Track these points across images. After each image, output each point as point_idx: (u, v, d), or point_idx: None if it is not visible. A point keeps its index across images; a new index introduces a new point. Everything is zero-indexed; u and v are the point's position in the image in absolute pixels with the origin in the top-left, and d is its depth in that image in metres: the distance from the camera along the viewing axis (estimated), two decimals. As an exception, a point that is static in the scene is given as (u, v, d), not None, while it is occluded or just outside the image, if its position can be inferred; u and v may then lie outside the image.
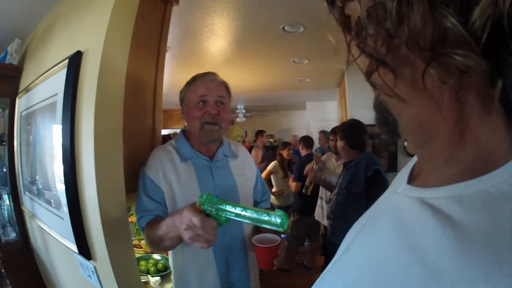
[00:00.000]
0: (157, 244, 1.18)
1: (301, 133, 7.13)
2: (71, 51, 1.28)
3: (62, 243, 1.43)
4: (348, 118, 4.18)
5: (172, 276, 1.38)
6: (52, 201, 1.48)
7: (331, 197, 2.76)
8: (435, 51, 0.31)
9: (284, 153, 4.46)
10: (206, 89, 1.32)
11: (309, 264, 4.19)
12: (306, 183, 3.40)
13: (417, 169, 0.48)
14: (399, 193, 0.45)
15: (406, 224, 0.37)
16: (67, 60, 1.27)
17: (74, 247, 1.32)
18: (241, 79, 4.89)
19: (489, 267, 0.26)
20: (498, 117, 0.35)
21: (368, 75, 0.38)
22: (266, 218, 0.85)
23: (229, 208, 0.92)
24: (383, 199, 0.55)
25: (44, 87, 1.49)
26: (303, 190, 3.47)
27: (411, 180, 0.48)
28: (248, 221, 0.89)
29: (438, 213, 0.34)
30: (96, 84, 1.18)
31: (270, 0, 2.29)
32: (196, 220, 0.91)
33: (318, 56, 3.82)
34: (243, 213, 0.90)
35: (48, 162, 1.49)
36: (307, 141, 4.32)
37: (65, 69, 1.27)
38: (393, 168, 4.12)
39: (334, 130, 3.34)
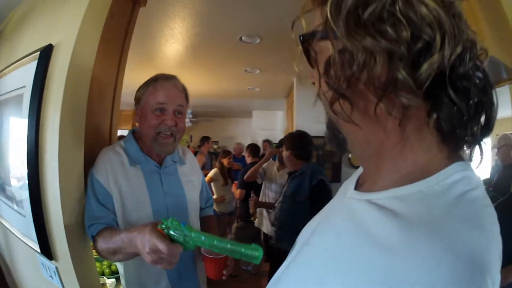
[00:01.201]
0: (108, 256, 1.13)
1: (246, 141, 7.22)
2: (43, 43, 1.23)
3: (24, 242, 1.35)
4: (294, 128, 4.34)
5: (122, 282, 1.32)
6: (13, 198, 1.39)
7: (276, 204, 2.85)
8: (386, 91, 0.42)
9: (225, 161, 4.55)
10: (166, 97, 1.24)
11: (253, 269, 4.27)
12: (251, 211, 3.52)
13: (363, 178, 0.60)
14: (348, 197, 0.57)
15: (358, 219, 0.48)
16: (39, 53, 1.21)
17: (36, 246, 1.25)
18: (192, 84, 4.86)
19: (427, 238, 0.37)
20: (433, 138, 0.46)
21: (331, 104, 0.47)
22: (242, 250, 0.85)
23: (201, 238, 0.89)
24: (333, 204, 0.65)
25: (11, 78, 1.40)
26: (251, 219, 3.65)
27: (358, 187, 0.59)
28: (219, 251, 0.88)
29: (382, 208, 0.45)
30: (64, 80, 1.15)
31: (232, 10, 2.36)
32: (163, 247, 0.86)
33: (270, 67, 3.96)
34: (217, 243, 0.88)
35: (10, 157, 1.40)
36: (253, 149, 4.42)
37: (36, 61, 1.20)
38: (337, 178, 4.28)
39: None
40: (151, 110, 1.25)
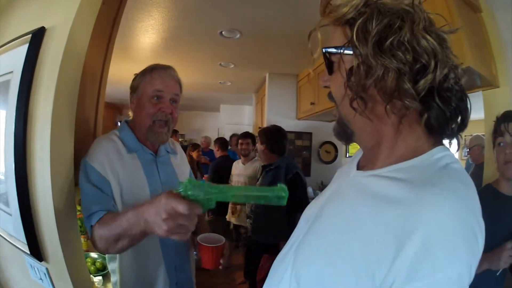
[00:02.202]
0: (111, 244, 1.00)
1: (213, 134, 7.20)
2: (35, 26, 1.14)
3: (10, 243, 1.23)
4: (265, 123, 4.42)
5: (114, 278, 1.28)
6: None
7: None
8: (392, 96, 0.57)
9: (194, 154, 4.52)
10: (163, 85, 1.27)
11: (225, 263, 4.25)
12: (231, 210, 3.75)
13: (363, 162, 0.75)
14: (353, 176, 0.72)
15: (368, 189, 0.63)
16: (30, 36, 1.12)
17: (24, 247, 1.14)
18: (163, 76, 4.71)
19: (429, 191, 0.52)
20: (422, 131, 0.62)
21: (351, 102, 0.61)
22: (269, 194, 0.76)
23: (225, 190, 0.79)
24: (337, 184, 0.79)
25: (-3, 62, 1.27)
26: (234, 215, 3.80)
27: (359, 169, 0.74)
28: (244, 200, 0.80)
29: (388, 177, 0.60)
30: (58, 66, 1.08)
31: (216, 4, 2.36)
32: (183, 207, 0.75)
33: (245, 62, 3.98)
34: (244, 192, 0.79)
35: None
36: (222, 143, 4.48)
37: (26, 45, 1.11)
38: (307, 173, 4.36)
39: (245, 134, 3.65)
40: (148, 98, 1.27)
